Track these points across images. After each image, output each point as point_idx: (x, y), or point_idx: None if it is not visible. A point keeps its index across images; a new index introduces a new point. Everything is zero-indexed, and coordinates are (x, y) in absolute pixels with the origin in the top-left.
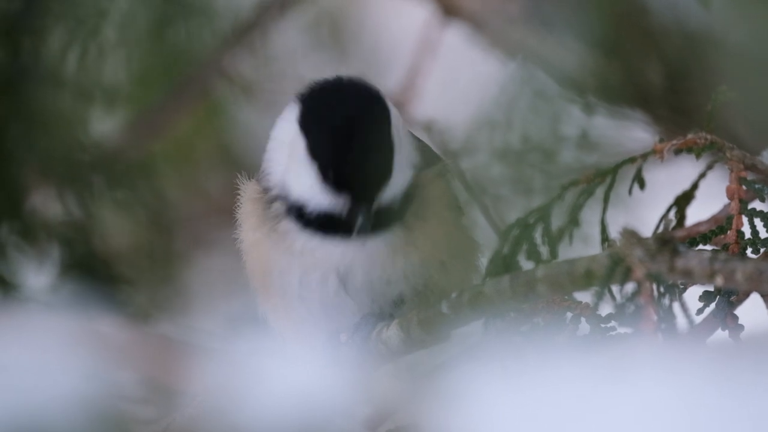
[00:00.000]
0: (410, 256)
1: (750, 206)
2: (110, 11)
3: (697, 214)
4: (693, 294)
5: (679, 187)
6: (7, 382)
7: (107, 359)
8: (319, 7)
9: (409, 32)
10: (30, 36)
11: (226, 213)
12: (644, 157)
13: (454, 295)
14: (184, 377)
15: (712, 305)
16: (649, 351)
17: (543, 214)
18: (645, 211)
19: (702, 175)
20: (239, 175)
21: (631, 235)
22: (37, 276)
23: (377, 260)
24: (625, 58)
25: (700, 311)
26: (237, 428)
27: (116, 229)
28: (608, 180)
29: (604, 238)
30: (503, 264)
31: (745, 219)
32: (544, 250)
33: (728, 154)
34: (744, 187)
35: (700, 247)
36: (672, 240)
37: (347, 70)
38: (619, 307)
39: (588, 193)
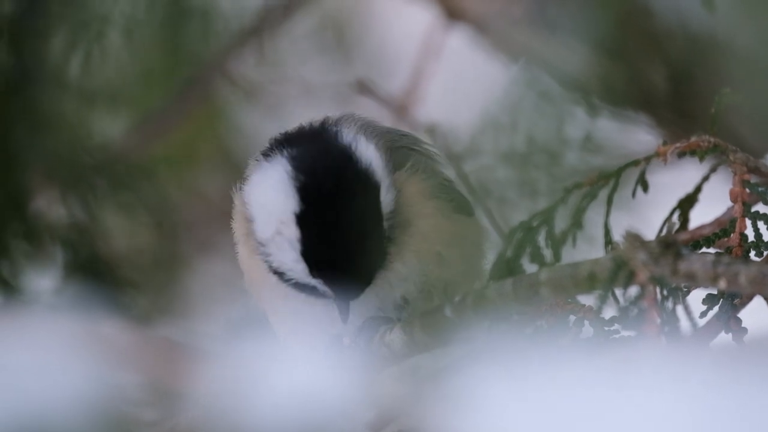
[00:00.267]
0: (406, 257)
1: (753, 209)
2: (114, 14)
3: (701, 217)
4: (696, 297)
5: (685, 189)
6: (11, 384)
7: (110, 362)
8: (323, 11)
9: (413, 35)
10: (34, 38)
11: (228, 217)
12: (647, 160)
13: (457, 298)
14: (187, 380)
15: (716, 308)
16: (652, 354)
17: (546, 217)
18: (651, 213)
19: (705, 178)
20: (233, 186)
21: (634, 238)
22: (40, 278)
23: None
24: (628, 60)
25: (703, 314)
26: (240, 431)
27: (119, 232)
28: (611, 183)
29: (608, 241)
30: (507, 267)
31: (748, 222)
32: (547, 253)
33: (731, 157)
34: (747, 190)
35: (704, 250)
36: (675, 243)
37: (351, 73)
38: (623, 310)
39: (591, 196)
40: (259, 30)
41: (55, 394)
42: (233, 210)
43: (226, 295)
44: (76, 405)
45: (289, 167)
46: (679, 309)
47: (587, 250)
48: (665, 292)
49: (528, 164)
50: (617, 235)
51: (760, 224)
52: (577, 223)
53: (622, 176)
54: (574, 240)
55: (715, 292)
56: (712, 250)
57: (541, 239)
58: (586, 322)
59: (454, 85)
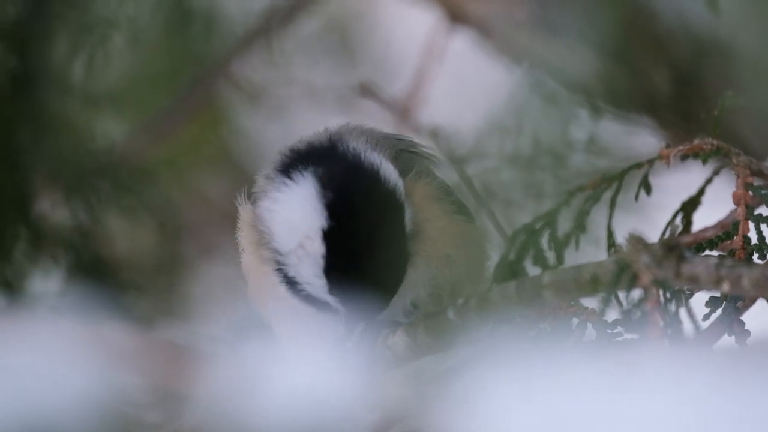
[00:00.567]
0: (417, 263)
1: (756, 212)
2: (118, 17)
3: (704, 219)
4: (699, 300)
5: (688, 192)
6: (14, 386)
7: (113, 364)
8: (326, 14)
9: (416, 38)
10: (38, 41)
11: (231, 219)
12: (650, 162)
13: (460, 301)
14: (190, 382)
15: (719, 311)
16: (655, 357)
17: (549, 220)
18: (655, 215)
19: (708, 181)
20: (238, 195)
21: (637, 241)
22: (43, 281)
23: None
24: (631, 62)
25: (706, 317)
26: None
27: (122, 234)
28: (614, 186)
29: (611, 243)
30: (510, 270)
31: (751, 224)
32: (550, 256)
33: (735, 160)
34: (750, 193)
35: (707, 252)
36: (678, 246)
37: (354, 75)
38: (626, 313)
39: (594, 199)
40: (263, 33)
41: (58, 396)
42: (239, 220)
43: (229, 298)
44: (80, 407)
45: (317, 184)
46: (682, 312)
47: (590, 252)
48: (668, 295)
49: (533, 166)
50: (620, 238)
51: (763, 227)
52: (579, 225)
53: (625, 179)
54: (577, 243)
55: (718, 295)
56: (715, 253)
57: (544, 242)
58: (589, 325)
59: (457, 88)
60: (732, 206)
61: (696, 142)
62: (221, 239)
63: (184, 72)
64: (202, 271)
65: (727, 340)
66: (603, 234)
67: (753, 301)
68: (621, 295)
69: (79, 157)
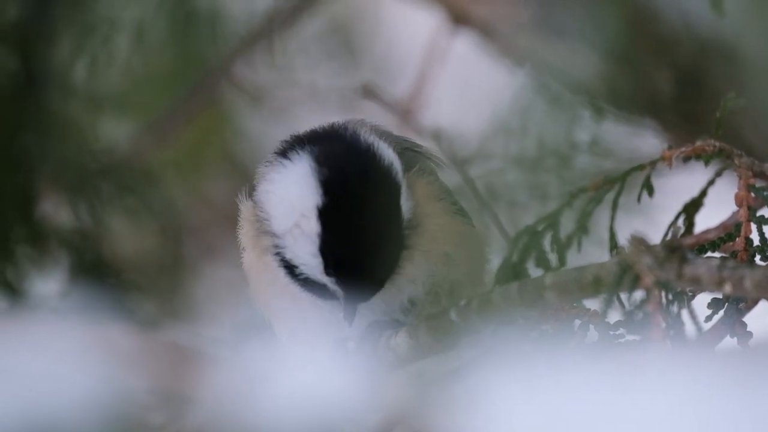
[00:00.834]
0: (415, 259)
1: (759, 213)
2: (121, 18)
3: (706, 221)
4: (701, 301)
5: (690, 193)
6: (17, 388)
7: (116, 366)
8: (329, 15)
9: (418, 40)
10: (41, 42)
11: (233, 221)
12: (653, 164)
13: (462, 302)
14: (193, 383)
15: (721, 312)
16: (657, 358)
17: (552, 222)
18: (658, 217)
19: (710, 183)
20: (239, 193)
21: (639, 242)
22: (46, 282)
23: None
24: (635, 64)
25: (708, 318)
26: None
27: (125, 236)
28: (617, 187)
29: (613, 245)
30: (512, 271)
31: (753, 226)
32: (552, 258)
33: (737, 161)
34: (752, 194)
35: (709, 254)
36: (680, 247)
37: (357, 77)
38: (628, 315)
39: (597, 201)
40: (266, 34)
41: (61, 398)
42: (239, 217)
43: (232, 299)
44: (83, 409)
45: (313, 162)
46: (684, 313)
47: (593, 254)
48: (670, 297)
49: (537, 168)
50: (623, 239)
51: (766, 228)
52: (582, 227)
53: (627, 180)
54: (580, 244)
55: (720, 297)
56: (717, 255)
57: (547, 243)
58: (591, 326)
59: (460, 89)
60: (734, 208)
61: (698, 143)
62: (224, 240)
63: (186, 74)
64: (205, 273)
65: (730, 341)
66: (605, 235)
67: (755, 302)
68: (623, 296)
69: (82, 159)
